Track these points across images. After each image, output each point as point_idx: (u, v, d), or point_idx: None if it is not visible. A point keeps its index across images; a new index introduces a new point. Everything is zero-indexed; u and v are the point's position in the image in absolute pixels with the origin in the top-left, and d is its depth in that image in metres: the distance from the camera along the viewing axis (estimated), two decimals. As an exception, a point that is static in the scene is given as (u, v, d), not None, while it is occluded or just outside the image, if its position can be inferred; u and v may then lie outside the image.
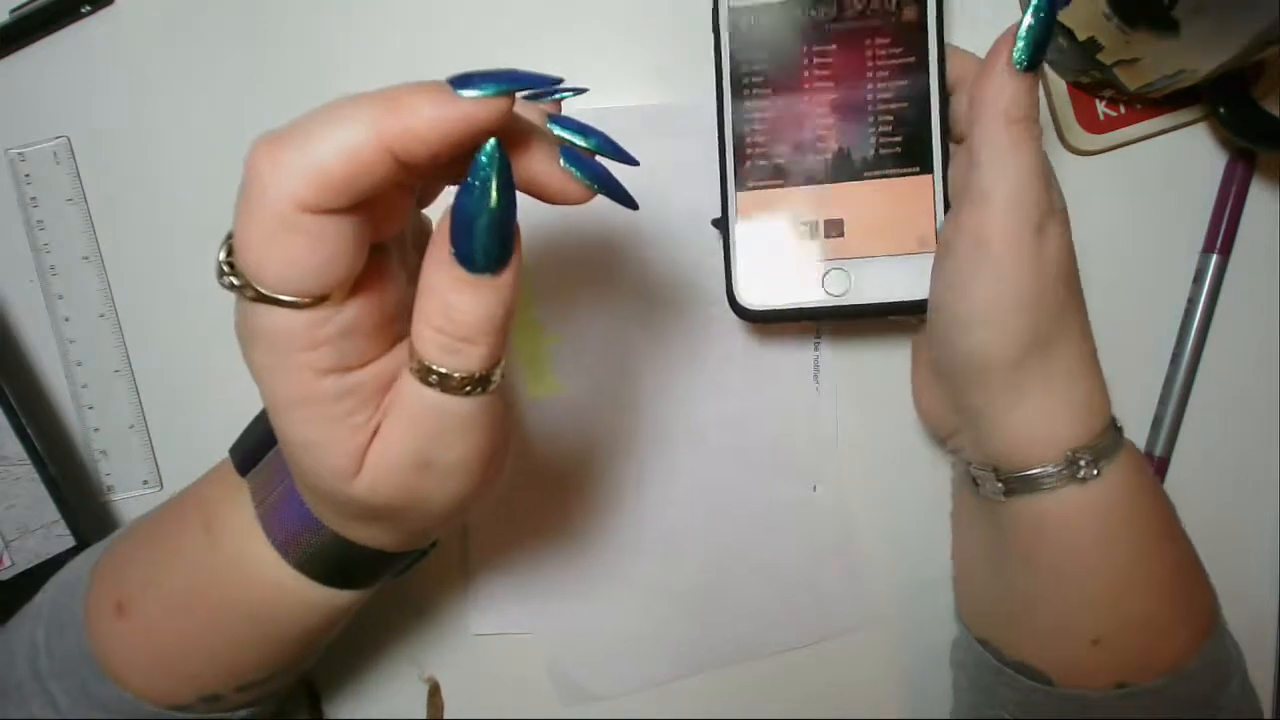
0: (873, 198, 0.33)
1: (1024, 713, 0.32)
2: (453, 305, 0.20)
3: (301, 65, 0.39)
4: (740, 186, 0.33)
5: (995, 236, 0.28)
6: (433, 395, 0.21)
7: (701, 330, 0.39)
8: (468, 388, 0.21)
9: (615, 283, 0.39)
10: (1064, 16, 0.34)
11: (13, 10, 0.38)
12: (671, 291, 0.39)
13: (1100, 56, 0.34)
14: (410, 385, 0.22)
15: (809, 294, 0.33)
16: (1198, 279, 0.38)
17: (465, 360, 0.21)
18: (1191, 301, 0.38)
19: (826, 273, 0.33)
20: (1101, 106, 0.37)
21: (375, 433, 0.22)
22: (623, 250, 0.38)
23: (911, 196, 0.32)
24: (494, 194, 0.19)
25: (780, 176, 0.33)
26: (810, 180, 0.33)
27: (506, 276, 0.21)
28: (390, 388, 0.22)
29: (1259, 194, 0.38)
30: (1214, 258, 0.38)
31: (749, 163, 0.33)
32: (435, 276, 0.20)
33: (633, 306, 0.39)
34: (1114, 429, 0.30)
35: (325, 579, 0.27)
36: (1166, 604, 0.31)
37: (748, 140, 0.33)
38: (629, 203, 0.24)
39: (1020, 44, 0.27)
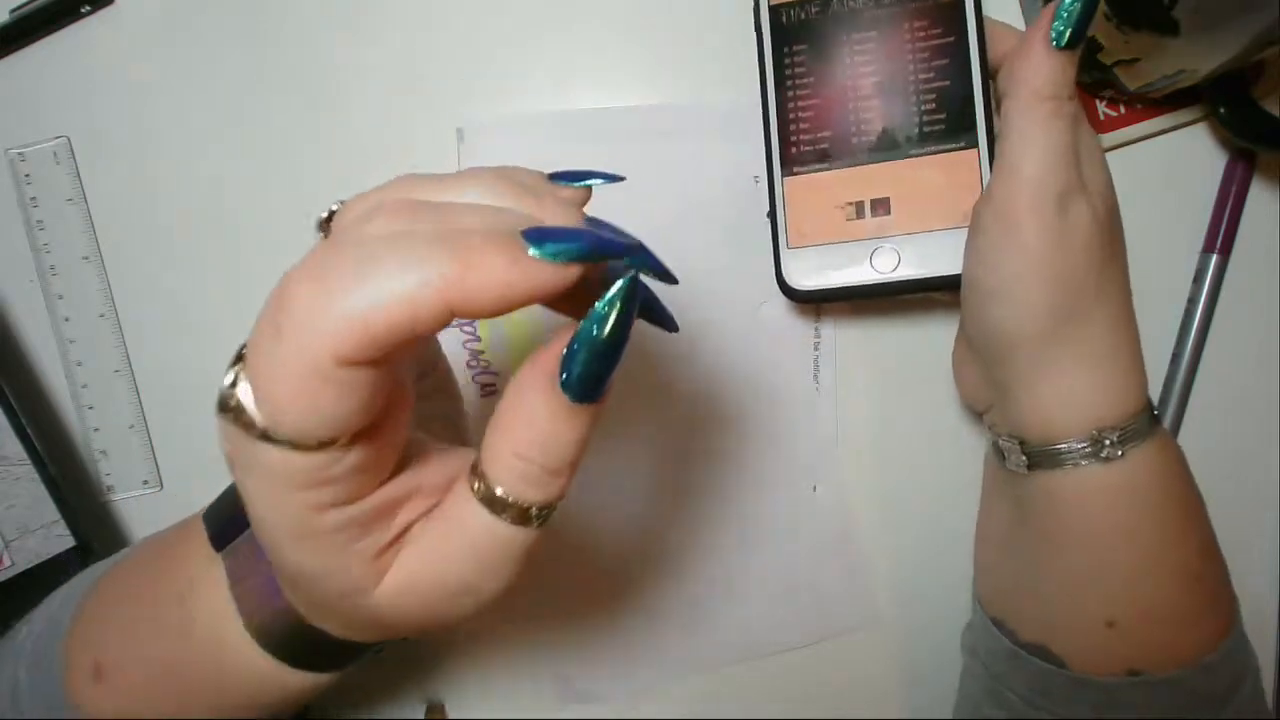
0: (918, 175, 0.33)
1: (1035, 697, 0.32)
2: (551, 436, 0.19)
3: (301, 65, 0.39)
4: (786, 171, 0.34)
5: (1019, 211, 0.28)
6: (499, 525, 0.20)
7: (701, 331, 0.39)
8: (539, 519, 0.20)
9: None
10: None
11: (13, 10, 0.38)
12: (671, 293, 0.39)
13: (1100, 56, 0.34)
14: (474, 512, 0.20)
15: (858, 273, 0.33)
16: (1198, 279, 0.38)
17: (546, 492, 0.20)
18: (1191, 301, 0.38)
19: (874, 251, 0.33)
20: (1101, 106, 0.37)
21: (388, 548, 0.21)
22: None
23: (957, 171, 0.33)
24: (620, 329, 0.18)
25: (825, 159, 0.34)
26: (855, 161, 0.34)
27: (600, 405, 0.20)
28: (395, 510, 0.21)
29: (1259, 194, 0.38)
30: (1214, 258, 0.38)
31: (794, 148, 0.34)
32: (537, 406, 0.19)
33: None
34: (1149, 413, 0.30)
35: (303, 664, 0.26)
36: (1186, 594, 0.30)
37: (791, 126, 0.34)
38: (670, 326, 0.23)
39: (1058, 21, 0.27)
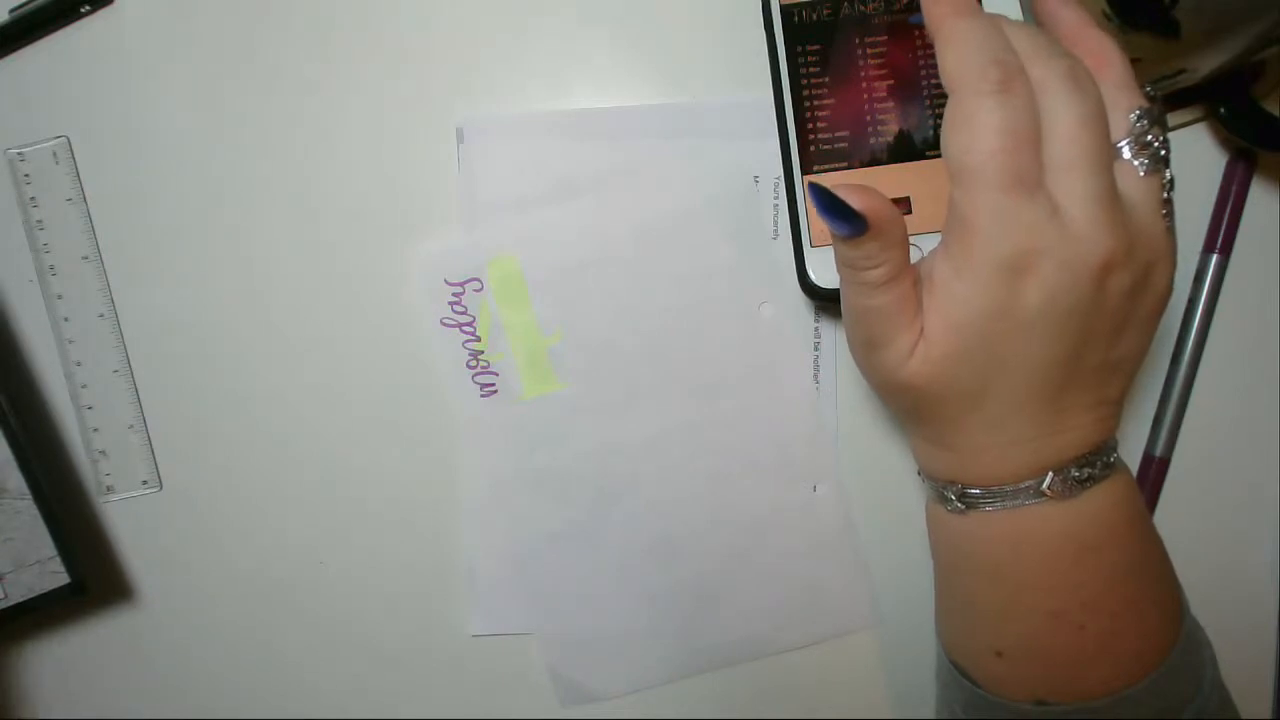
0: (936, 175, 0.33)
1: (971, 712, 0.32)
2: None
3: (301, 65, 0.39)
4: (806, 170, 0.34)
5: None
6: None
7: (701, 329, 0.39)
8: None
9: (615, 282, 0.39)
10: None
11: (12, 10, 0.38)
12: (671, 290, 0.39)
13: (1100, 56, 0.34)
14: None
15: None
16: (1198, 279, 0.38)
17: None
18: (1191, 301, 0.38)
19: None
20: (1101, 106, 0.37)
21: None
22: (622, 250, 0.38)
23: None
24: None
25: (844, 159, 0.34)
26: (875, 160, 0.34)
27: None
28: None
29: (1259, 194, 0.38)
30: (1214, 258, 0.38)
31: (812, 146, 0.35)
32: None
33: (633, 306, 0.39)
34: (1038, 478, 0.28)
35: None
36: (1060, 639, 0.29)
37: (809, 125, 0.35)
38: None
39: None
